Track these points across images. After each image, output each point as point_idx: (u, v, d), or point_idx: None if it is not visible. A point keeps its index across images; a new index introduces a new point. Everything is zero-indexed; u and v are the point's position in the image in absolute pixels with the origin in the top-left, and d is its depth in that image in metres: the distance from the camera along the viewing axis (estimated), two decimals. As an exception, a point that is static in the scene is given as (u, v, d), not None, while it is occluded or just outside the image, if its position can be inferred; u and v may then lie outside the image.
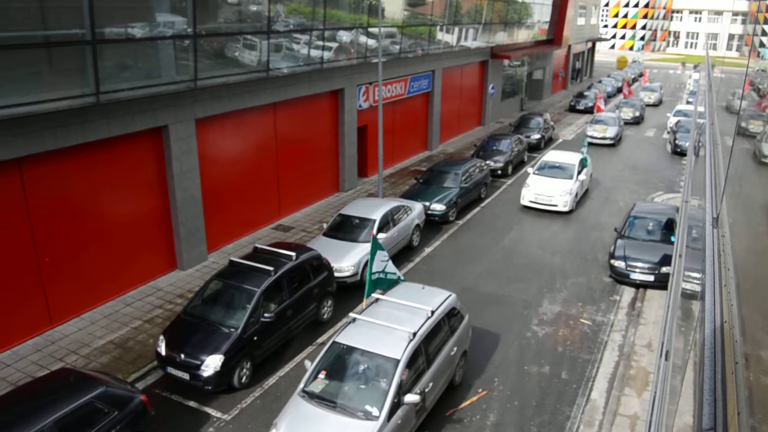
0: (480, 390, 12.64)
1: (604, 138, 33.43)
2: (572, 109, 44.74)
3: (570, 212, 22.81)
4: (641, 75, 70.01)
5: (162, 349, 12.40)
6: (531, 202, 22.76)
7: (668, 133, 36.97)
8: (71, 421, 9.33)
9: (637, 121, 40.57)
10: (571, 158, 24.21)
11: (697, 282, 15.29)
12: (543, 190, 22.68)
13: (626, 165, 30.12)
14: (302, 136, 21.96)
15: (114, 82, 13.45)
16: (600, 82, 54.45)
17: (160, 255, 16.91)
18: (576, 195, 23.03)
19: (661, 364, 6.50)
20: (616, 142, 33.88)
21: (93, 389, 9.88)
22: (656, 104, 49.34)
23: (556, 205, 22.32)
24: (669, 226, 18.16)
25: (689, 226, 15.75)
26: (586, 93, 46.08)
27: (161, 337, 12.63)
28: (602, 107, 38.98)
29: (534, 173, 23.85)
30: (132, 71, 14.00)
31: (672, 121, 36.99)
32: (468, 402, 12.24)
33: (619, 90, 57.13)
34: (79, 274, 14.75)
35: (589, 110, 44.00)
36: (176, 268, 17.42)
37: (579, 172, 23.64)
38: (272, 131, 20.44)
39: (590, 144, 32.43)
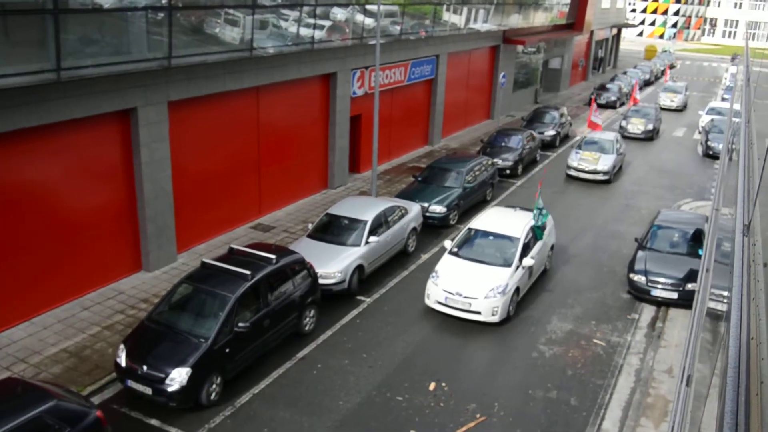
0: (478, 416, 12.70)
1: (594, 172, 27.24)
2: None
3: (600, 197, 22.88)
4: (672, 66, 70.29)
5: (122, 360, 12.40)
6: (439, 304, 15.87)
7: (699, 133, 37.16)
8: (17, 438, 9.35)
9: (649, 137, 35.72)
10: (516, 223, 17.46)
11: (726, 301, 15.40)
12: (458, 284, 15.71)
13: (652, 167, 30.27)
14: (288, 124, 22.01)
15: (77, 57, 13.46)
16: (625, 73, 54.58)
17: (123, 254, 16.93)
18: (518, 293, 16.40)
19: (682, 391, 6.56)
20: (612, 176, 27.59)
21: (43, 402, 9.89)
22: (680, 109, 45.38)
23: (478, 313, 15.51)
24: (697, 238, 18.27)
25: (719, 238, 15.87)
26: (609, 85, 46.27)
27: (121, 346, 12.64)
28: (638, 98, 39.92)
29: (450, 252, 16.96)
30: (98, 46, 14.02)
31: (704, 120, 37.15)
32: (464, 429, 12.29)
33: (648, 83, 57.29)
34: (30, 273, 14.75)
35: (611, 105, 44.20)
36: (141, 269, 17.45)
37: (525, 250, 16.79)
38: (254, 118, 20.49)
39: (576, 178, 27.73)
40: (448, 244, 17.26)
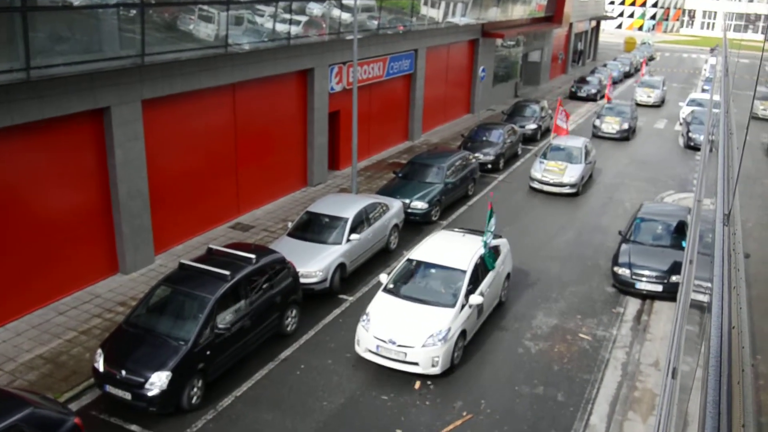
0: (464, 413, 12.73)
1: (560, 185, 24.87)
2: (573, 96, 45.24)
3: (573, 203, 23.05)
4: (651, 59, 70.82)
5: (100, 365, 12.29)
6: (370, 352, 13.71)
7: (681, 124, 37.51)
8: (-8, 447, 9.25)
9: (624, 137, 33.99)
10: (464, 252, 15.27)
11: (709, 292, 15.56)
12: (391, 330, 13.55)
13: (633, 160, 30.52)
14: (265, 122, 21.92)
15: (48, 55, 13.32)
16: (605, 65, 55.03)
17: (99, 256, 16.78)
18: (464, 337, 14.18)
19: (668, 384, 6.62)
20: (580, 188, 25.25)
21: (18, 410, 9.78)
22: (657, 105, 44.17)
23: (416, 364, 13.35)
24: (680, 230, 18.45)
25: (702, 230, 16.03)
26: (588, 78, 46.66)
27: (99, 351, 12.52)
28: (611, 96, 39.07)
29: (385, 290, 14.69)
30: (69, 44, 13.87)
31: (685, 111, 37.52)
32: (451, 427, 12.32)
33: (627, 75, 57.72)
34: (4, 279, 14.57)
35: (591, 97, 44.51)
36: (118, 271, 17.30)
37: (474, 283, 14.66)
38: (231, 116, 20.38)
39: (540, 191, 25.33)
40: (383, 278, 15.06)
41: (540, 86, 49.42)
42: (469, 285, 14.35)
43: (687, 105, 38.29)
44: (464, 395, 13.27)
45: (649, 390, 13.60)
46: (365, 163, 27.90)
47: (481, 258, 15.22)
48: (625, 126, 33.84)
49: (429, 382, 13.53)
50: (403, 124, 31.47)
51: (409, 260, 15.26)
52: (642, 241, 18.39)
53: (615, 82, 52.50)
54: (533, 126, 32.91)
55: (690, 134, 32.82)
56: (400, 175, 23.19)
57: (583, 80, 46.45)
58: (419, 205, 21.27)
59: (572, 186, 24.60)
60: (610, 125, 33.84)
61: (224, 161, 20.45)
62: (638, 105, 42.33)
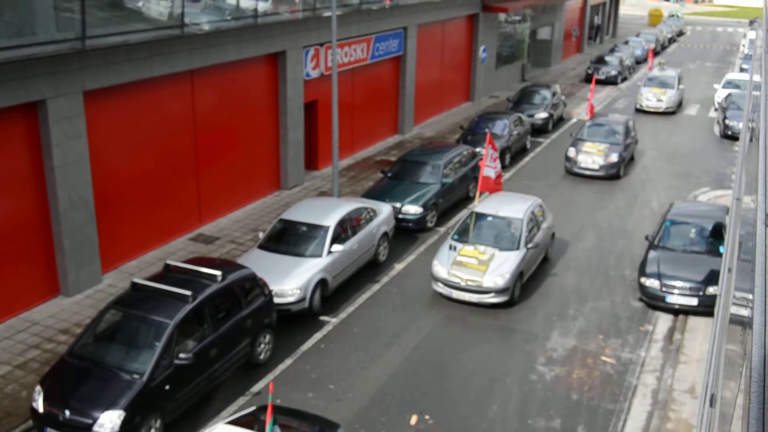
0: (470, 452, 12.79)
1: (470, 289, 17.39)
2: (589, 79, 45.27)
3: (592, 203, 23.15)
4: (681, 33, 71.15)
5: (39, 405, 12.26)
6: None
7: (716, 110, 37.73)
8: None
9: (611, 174, 26.80)
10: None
11: (751, 305, 15.68)
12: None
13: (661, 153, 30.73)
14: (230, 115, 21.94)
15: (-29, 41, 13.32)
16: (626, 43, 55.29)
17: (35, 276, 16.73)
18: None
19: (706, 413, 6.68)
20: (512, 295, 17.57)
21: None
22: (671, 111, 37.62)
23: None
24: (717, 233, 18.57)
25: (742, 234, 16.14)
26: (607, 58, 46.85)
27: (38, 388, 12.50)
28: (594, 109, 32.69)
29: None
30: (-4, 27, 13.86)
31: (720, 94, 37.67)
32: (454, 468, 12.38)
33: (654, 53, 57.98)
34: (-77, 304, 14.53)
35: (611, 80, 44.67)
36: (59, 293, 17.26)
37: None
38: (189, 108, 20.39)
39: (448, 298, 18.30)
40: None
41: (551, 68, 49.67)
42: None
43: (723, 87, 38.43)
44: (468, 430, 13.31)
45: (684, 420, 13.68)
46: (348, 161, 27.95)
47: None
48: (614, 158, 26.63)
49: (427, 417, 13.57)
50: (391, 116, 31.55)
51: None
52: (673, 247, 18.50)
53: (638, 62, 52.73)
54: (544, 115, 33.01)
55: (727, 121, 33.00)
56: (389, 174, 23.24)
57: (601, 60, 46.62)
58: (412, 209, 21.34)
59: (500, 294, 17.33)
60: (590, 157, 26.80)
61: (183, 162, 20.45)
62: (644, 112, 37.49)
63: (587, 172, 26.72)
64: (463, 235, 18.68)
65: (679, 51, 63.14)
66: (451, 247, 18.19)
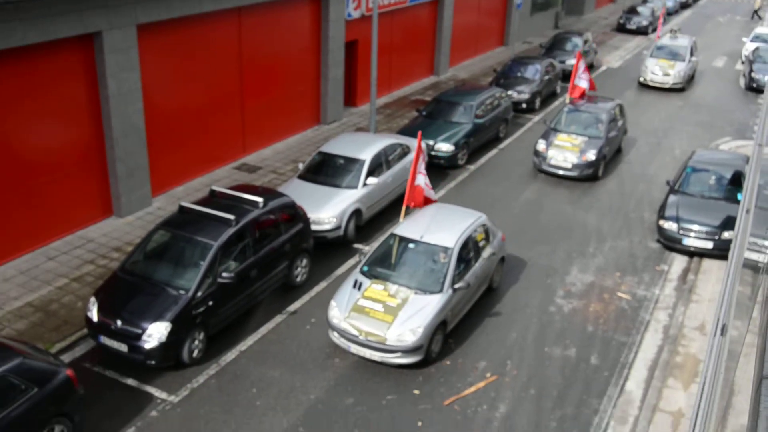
0: (488, 374, 12.99)
1: (371, 345, 12.82)
2: (621, 29, 44.62)
3: (609, 159, 22.92)
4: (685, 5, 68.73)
5: (93, 314, 12.60)
6: None
7: (743, 63, 36.93)
8: (-20, 398, 9.58)
9: (587, 175, 21.29)
10: None
11: (766, 251, 15.60)
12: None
13: (687, 102, 30.19)
14: (275, 52, 21.87)
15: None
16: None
17: (91, 198, 17.01)
18: None
19: (716, 343, 6.72)
20: (428, 352, 13.07)
21: (7, 360, 10.07)
22: (679, 87, 31.68)
23: None
24: (736, 181, 18.37)
25: (761, 182, 15.93)
26: (639, 8, 45.86)
27: (92, 299, 12.82)
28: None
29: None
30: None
31: (748, 48, 36.85)
32: (473, 389, 12.60)
33: (684, 5, 56.36)
34: (-12, 219, 14.88)
35: (642, 30, 43.77)
36: (112, 214, 17.56)
37: None
38: (236, 44, 20.34)
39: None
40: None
41: (584, 16, 48.68)
42: None
43: (751, 41, 37.56)
44: (489, 355, 13.50)
45: (692, 356, 13.75)
46: (385, 99, 27.83)
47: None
48: (590, 155, 21.22)
49: (451, 341, 13.76)
50: (428, 57, 31.24)
51: None
52: (692, 192, 18.33)
53: (669, 14, 51.47)
54: (574, 61, 32.44)
55: (753, 74, 32.29)
56: (423, 113, 23.14)
57: (633, 10, 45.69)
58: (444, 147, 21.29)
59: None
60: (562, 153, 21.37)
61: (229, 95, 20.49)
62: (649, 87, 32.09)
63: (559, 171, 21.24)
64: (375, 266, 14.01)
65: (710, 4, 61.40)
66: (356, 284, 13.54)
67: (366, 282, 13.46)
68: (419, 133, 16.31)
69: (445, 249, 13.77)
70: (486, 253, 14.73)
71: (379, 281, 13.43)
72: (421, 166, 15.42)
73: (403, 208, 15.09)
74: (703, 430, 5.49)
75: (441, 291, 13.17)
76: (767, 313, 9.35)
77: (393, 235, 14.36)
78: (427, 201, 15.53)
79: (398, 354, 12.56)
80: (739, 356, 13.08)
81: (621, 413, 12.24)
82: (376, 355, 12.66)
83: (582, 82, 24.09)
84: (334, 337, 13.12)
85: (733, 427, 11.55)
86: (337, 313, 13.06)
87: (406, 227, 14.48)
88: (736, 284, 8.17)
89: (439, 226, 14.41)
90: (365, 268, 13.85)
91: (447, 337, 13.69)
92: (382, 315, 12.77)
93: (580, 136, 21.70)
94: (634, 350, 13.90)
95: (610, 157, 22.33)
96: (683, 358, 13.67)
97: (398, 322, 12.62)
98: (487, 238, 14.96)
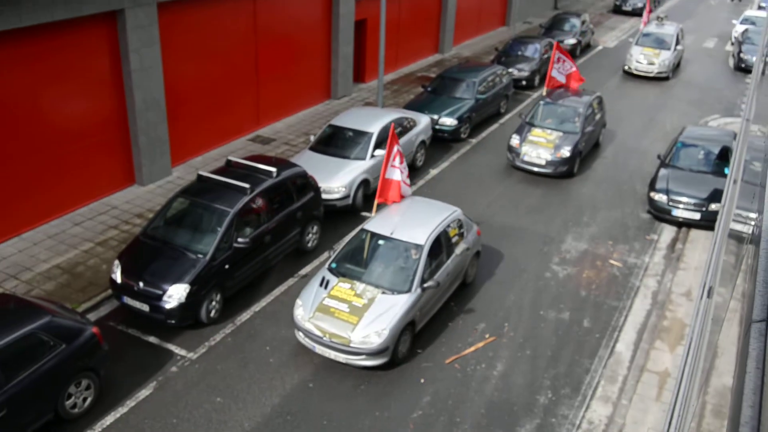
0: (487, 335, 13.04)
1: (335, 347, 11.93)
2: (617, 10, 44.16)
3: (610, 123, 22.78)
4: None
5: (117, 276, 12.68)
6: None
7: (732, 44, 36.57)
8: (11, 354, 9.65)
9: (563, 172, 19.50)
10: None
11: (751, 223, 15.55)
12: None
13: (678, 81, 29.92)
14: (288, 29, 21.71)
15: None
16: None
17: (114, 167, 17.02)
18: None
19: (702, 305, 6.73)
20: (395, 354, 12.27)
21: (37, 318, 10.16)
22: (664, 76, 29.75)
23: None
24: (724, 156, 18.27)
25: (747, 158, 15.86)
26: (636, -11, 45.23)
27: (116, 262, 12.90)
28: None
29: None
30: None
31: (738, 30, 36.47)
32: (472, 348, 12.65)
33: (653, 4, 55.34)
34: (17, 188, 14.87)
35: (638, 12, 43.32)
36: (134, 182, 17.58)
37: None
38: (251, 22, 20.20)
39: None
40: None
41: (582, -2, 48.19)
42: None
43: (740, 23, 37.19)
44: (488, 317, 13.55)
45: (678, 320, 13.77)
46: (392, 76, 27.67)
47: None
48: (565, 152, 19.44)
49: (452, 303, 13.80)
50: (433, 36, 31.00)
51: None
52: (682, 166, 18.24)
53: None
54: (572, 41, 32.19)
55: (742, 55, 31.95)
56: (428, 89, 23.02)
57: (629, -8, 45.09)
58: (448, 121, 21.19)
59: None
60: (535, 150, 19.60)
61: (244, 71, 20.39)
62: (634, 75, 30.17)
63: (534, 168, 19.57)
64: (344, 262, 13.05)
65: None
66: (323, 282, 12.54)
67: (333, 280, 12.46)
68: (392, 125, 15.30)
69: (416, 246, 12.73)
70: (459, 249, 13.66)
71: (346, 280, 12.42)
72: (397, 161, 14.37)
73: (375, 202, 14.36)
74: (688, 387, 5.51)
75: (409, 290, 12.17)
76: (756, 258, 9.31)
77: (363, 230, 13.38)
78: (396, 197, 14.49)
79: (363, 356, 11.65)
80: (723, 321, 13.11)
81: (611, 373, 12.29)
82: (341, 357, 11.74)
83: (559, 76, 22.44)
84: (300, 337, 12.14)
85: (716, 386, 11.62)
86: (301, 312, 12.09)
87: (377, 222, 13.49)
88: (723, 248, 8.15)
89: (412, 222, 13.40)
90: (333, 265, 12.87)
91: (448, 301, 13.74)
92: (347, 316, 11.80)
93: (555, 131, 19.91)
94: (624, 314, 13.93)
95: (585, 153, 20.69)
96: (670, 322, 13.70)
97: (363, 324, 11.66)
98: (461, 233, 13.89)
